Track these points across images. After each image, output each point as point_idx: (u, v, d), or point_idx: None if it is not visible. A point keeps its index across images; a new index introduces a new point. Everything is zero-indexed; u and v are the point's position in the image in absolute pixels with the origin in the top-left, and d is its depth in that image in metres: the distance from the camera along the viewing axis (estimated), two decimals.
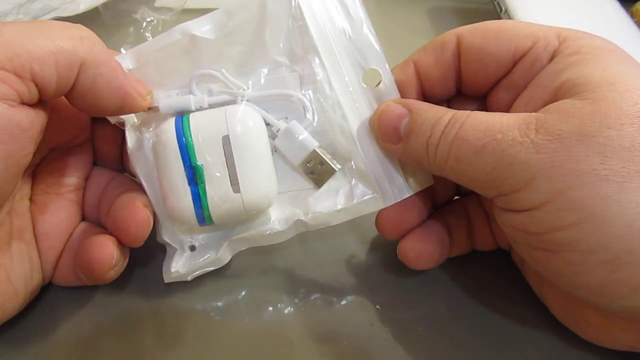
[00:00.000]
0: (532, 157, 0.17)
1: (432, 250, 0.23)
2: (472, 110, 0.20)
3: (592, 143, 0.17)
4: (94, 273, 0.21)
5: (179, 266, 0.23)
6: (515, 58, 0.21)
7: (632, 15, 0.37)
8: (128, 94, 0.20)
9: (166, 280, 0.23)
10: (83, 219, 0.24)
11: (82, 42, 0.19)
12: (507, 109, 0.22)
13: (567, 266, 0.18)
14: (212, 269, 0.24)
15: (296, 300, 0.24)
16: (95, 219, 0.24)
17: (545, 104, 0.19)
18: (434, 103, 0.22)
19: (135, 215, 0.21)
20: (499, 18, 0.36)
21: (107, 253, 0.21)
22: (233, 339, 0.23)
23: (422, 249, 0.23)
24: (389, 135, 0.21)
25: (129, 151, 0.23)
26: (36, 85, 0.18)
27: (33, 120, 0.19)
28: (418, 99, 0.23)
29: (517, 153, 0.17)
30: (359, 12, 0.23)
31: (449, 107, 0.21)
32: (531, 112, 0.19)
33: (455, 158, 0.19)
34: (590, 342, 0.21)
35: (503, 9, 0.36)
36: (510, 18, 0.35)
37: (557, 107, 0.18)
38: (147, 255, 0.25)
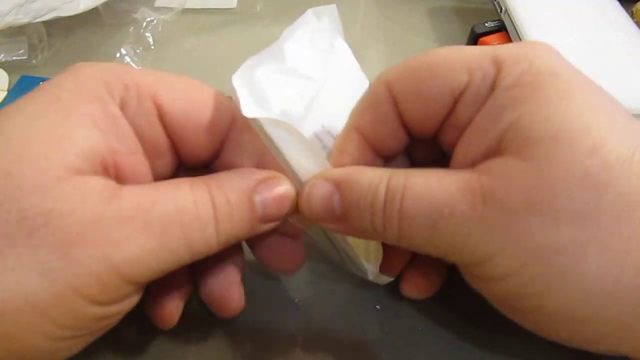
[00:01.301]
0: (485, 234, 0.16)
1: (434, 279, 0.23)
2: (411, 169, 0.18)
3: (544, 214, 0.16)
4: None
5: None
6: (455, 96, 0.19)
7: (632, 15, 0.37)
8: None
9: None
10: None
11: None
12: (455, 142, 0.20)
13: (534, 324, 0.18)
14: None
15: (296, 301, 0.24)
16: None
17: (488, 153, 0.17)
18: (392, 157, 0.21)
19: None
20: (499, 18, 0.36)
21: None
22: (232, 339, 0.23)
23: (424, 283, 0.23)
24: (325, 219, 0.19)
25: None
26: None
27: None
28: (374, 161, 0.21)
29: (469, 230, 0.16)
30: None
31: (409, 153, 0.20)
32: (473, 160, 0.18)
33: (408, 236, 0.18)
34: None
35: (503, 8, 0.36)
36: (510, 18, 0.35)
37: (500, 170, 0.17)
38: None
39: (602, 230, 0.15)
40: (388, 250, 0.22)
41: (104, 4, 0.38)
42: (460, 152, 0.19)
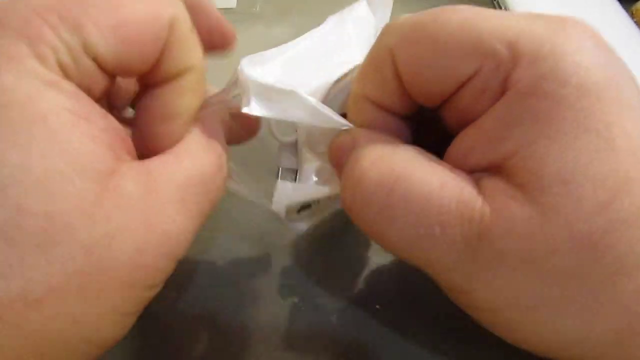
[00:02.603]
0: (472, 273, 0.16)
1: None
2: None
3: (534, 269, 0.15)
4: None
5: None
6: (459, 83, 0.17)
7: (632, 15, 0.37)
8: None
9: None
10: None
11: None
12: (459, 126, 0.18)
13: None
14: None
15: (296, 300, 0.24)
16: None
17: (490, 165, 0.16)
18: (402, 120, 0.20)
19: None
20: None
21: None
22: (231, 339, 0.23)
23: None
24: (332, 163, 0.20)
25: None
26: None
27: None
28: (389, 121, 0.20)
29: (456, 263, 0.16)
30: None
31: (420, 120, 0.20)
32: (474, 167, 0.17)
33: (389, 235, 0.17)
34: None
35: (503, 8, 0.36)
36: None
37: (504, 206, 0.15)
38: None
39: (586, 291, 0.15)
40: None
41: None
42: (460, 150, 0.17)
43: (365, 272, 0.25)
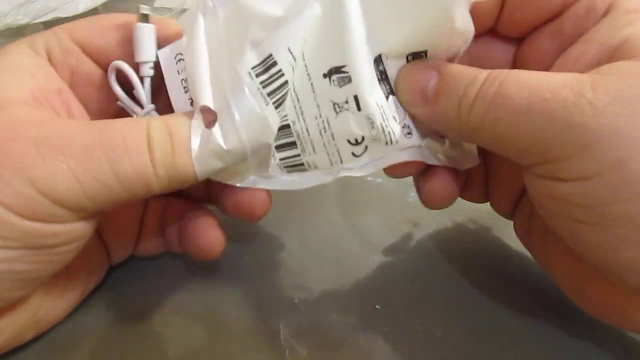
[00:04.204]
0: (589, 121, 0.15)
1: (456, 188, 0.23)
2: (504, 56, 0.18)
3: None
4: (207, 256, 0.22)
5: None
6: (567, 2, 0.19)
7: None
8: None
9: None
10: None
11: None
12: (547, 61, 0.20)
13: (612, 241, 0.16)
14: None
15: (296, 301, 0.24)
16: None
17: (600, 64, 0.17)
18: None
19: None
20: None
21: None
22: (230, 339, 0.23)
23: (452, 190, 0.22)
24: (414, 97, 0.20)
25: None
26: None
27: None
28: None
29: (571, 115, 0.15)
30: None
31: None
32: (582, 71, 0.17)
33: (494, 118, 0.17)
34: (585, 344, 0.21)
35: None
36: None
37: (614, 67, 0.16)
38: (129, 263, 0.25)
39: None
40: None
41: (103, 4, 0.38)
42: (566, 62, 0.18)
43: (366, 272, 0.25)
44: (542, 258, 0.22)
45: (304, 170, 0.22)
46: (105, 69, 0.21)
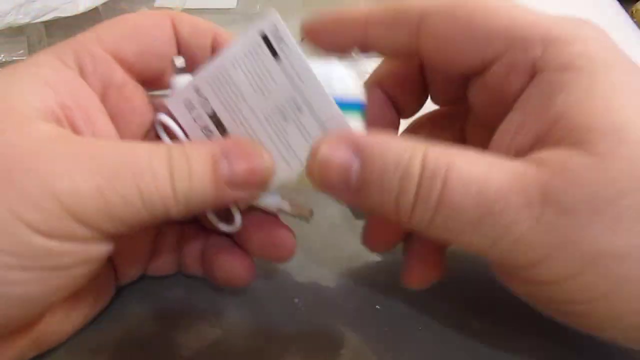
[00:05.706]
0: (542, 239, 0.15)
1: (440, 270, 0.22)
2: (449, 146, 0.16)
3: (607, 218, 0.15)
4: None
5: None
6: (486, 62, 0.18)
7: (632, 15, 0.37)
8: None
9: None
10: None
11: None
12: (483, 108, 0.20)
13: (579, 325, 0.18)
14: None
15: (296, 301, 0.24)
16: None
17: (537, 140, 0.16)
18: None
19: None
20: None
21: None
22: (231, 340, 0.23)
23: (430, 275, 0.22)
24: (338, 189, 0.18)
25: None
26: None
27: None
28: (393, 121, 0.21)
29: (522, 232, 0.15)
30: None
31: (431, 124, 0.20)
32: (521, 148, 0.17)
33: (443, 228, 0.16)
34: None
35: None
36: None
37: (561, 163, 0.15)
38: None
39: None
40: (378, 223, 0.22)
41: (103, 4, 0.38)
42: (504, 135, 0.18)
43: (366, 272, 0.25)
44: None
45: None
46: (137, 75, 0.21)
